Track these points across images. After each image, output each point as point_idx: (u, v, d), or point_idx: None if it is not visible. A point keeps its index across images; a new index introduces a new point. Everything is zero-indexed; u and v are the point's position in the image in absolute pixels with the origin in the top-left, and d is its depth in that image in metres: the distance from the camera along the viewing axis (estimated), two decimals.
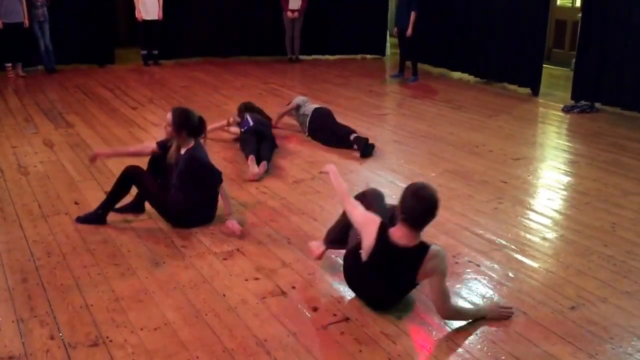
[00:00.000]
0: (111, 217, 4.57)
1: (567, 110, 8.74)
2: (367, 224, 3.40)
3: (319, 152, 6.50)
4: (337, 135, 6.72)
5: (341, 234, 3.80)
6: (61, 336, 3.16)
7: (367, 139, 6.52)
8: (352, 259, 3.52)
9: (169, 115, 4.47)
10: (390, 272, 3.34)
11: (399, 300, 3.49)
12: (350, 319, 3.38)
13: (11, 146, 6.43)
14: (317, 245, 3.94)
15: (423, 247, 3.25)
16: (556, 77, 11.16)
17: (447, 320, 3.35)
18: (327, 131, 6.83)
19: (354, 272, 3.53)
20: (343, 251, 3.72)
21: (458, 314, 3.37)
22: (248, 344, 3.13)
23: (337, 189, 3.77)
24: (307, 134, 7.04)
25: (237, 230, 4.37)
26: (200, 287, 3.68)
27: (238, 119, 6.76)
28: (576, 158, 6.57)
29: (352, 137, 6.57)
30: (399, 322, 3.36)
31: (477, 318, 3.39)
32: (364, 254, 3.36)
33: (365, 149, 6.38)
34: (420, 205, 3.17)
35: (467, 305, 3.55)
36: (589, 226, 4.73)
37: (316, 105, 7.26)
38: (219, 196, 4.51)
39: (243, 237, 4.36)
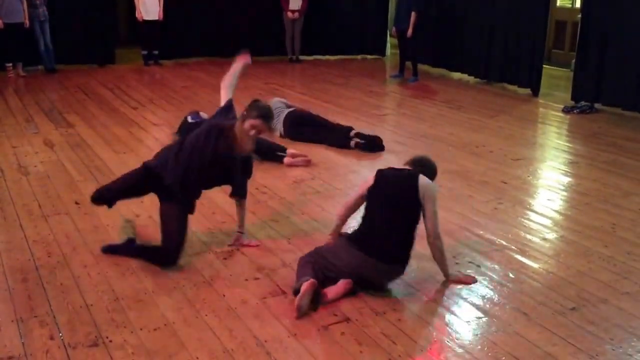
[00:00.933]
0: (111, 217, 4.56)
1: (567, 110, 8.74)
2: (363, 182, 3.82)
3: (319, 152, 6.49)
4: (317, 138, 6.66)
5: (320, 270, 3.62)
6: (61, 336, 3.16)
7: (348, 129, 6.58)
8: (347, 236, 3.71)
9: (259, 120, 3.91)
10: (394, 194, 3.62)
11: (410, 246, 3.63)
12: (351, 319, 3.38)
13: (11, 146, 6.43)
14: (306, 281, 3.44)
15: (412, 172, 3.71)
16: (556, 78, 11.16)
17: (435, 244, 3.64)
18: (307, 138, 6.75)
19: (359, 234, 3.65)
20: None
21: (440, 245, 3.67)
22: (248, 345, 3.13)
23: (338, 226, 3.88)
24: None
25: (254, 243, 4.26)
26: (200, 287, 3.68)
27: None
28: (576, 158, 6.57)
29: (352, 142, 6.58)
30: (399, 323, 3.36)
31: (443, 270, 3.75)
32: (365, 189, 3.69)
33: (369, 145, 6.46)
34: None
35: (465, 305, 3.56)
36: (589, 227, 4.73)
37: (283, 116, 6.87)
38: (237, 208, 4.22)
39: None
